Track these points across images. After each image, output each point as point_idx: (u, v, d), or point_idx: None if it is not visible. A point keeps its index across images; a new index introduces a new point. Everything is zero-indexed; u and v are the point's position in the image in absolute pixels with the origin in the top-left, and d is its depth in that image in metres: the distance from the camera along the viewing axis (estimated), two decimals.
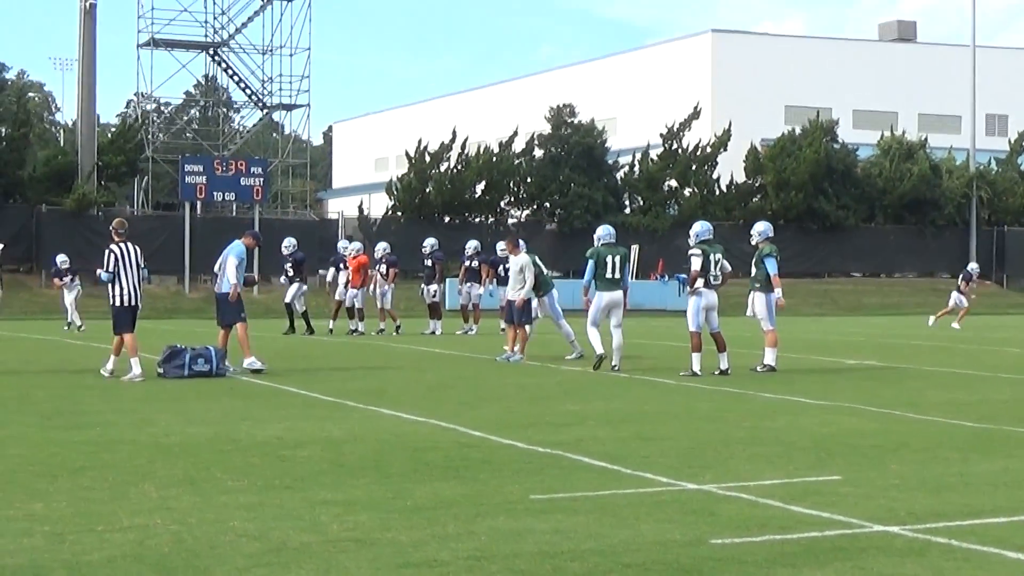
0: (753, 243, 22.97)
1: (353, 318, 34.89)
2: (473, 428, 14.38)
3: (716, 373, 21.58)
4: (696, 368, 21.60)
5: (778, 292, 22.53)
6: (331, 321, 35.52)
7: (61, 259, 38.98)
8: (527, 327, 25.72)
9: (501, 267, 34.55)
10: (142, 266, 21.19)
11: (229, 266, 22.15)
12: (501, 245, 34.21)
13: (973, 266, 45.26)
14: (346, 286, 35.19)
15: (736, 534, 9.03)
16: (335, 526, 9.17)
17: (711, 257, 22.06)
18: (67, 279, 38.29)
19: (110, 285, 20.78)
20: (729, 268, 22.71)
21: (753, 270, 22.85)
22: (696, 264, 21.91)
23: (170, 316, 48.36)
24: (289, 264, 34.42)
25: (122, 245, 20.90)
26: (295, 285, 34.32)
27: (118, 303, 20.84)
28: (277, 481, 10.96)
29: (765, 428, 14.75)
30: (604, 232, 23.27)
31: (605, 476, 11.37)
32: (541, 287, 26.14)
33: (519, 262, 25.79)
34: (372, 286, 35.08)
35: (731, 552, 8.57)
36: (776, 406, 17.24)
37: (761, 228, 23.19)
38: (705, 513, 9.73)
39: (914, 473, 11.64)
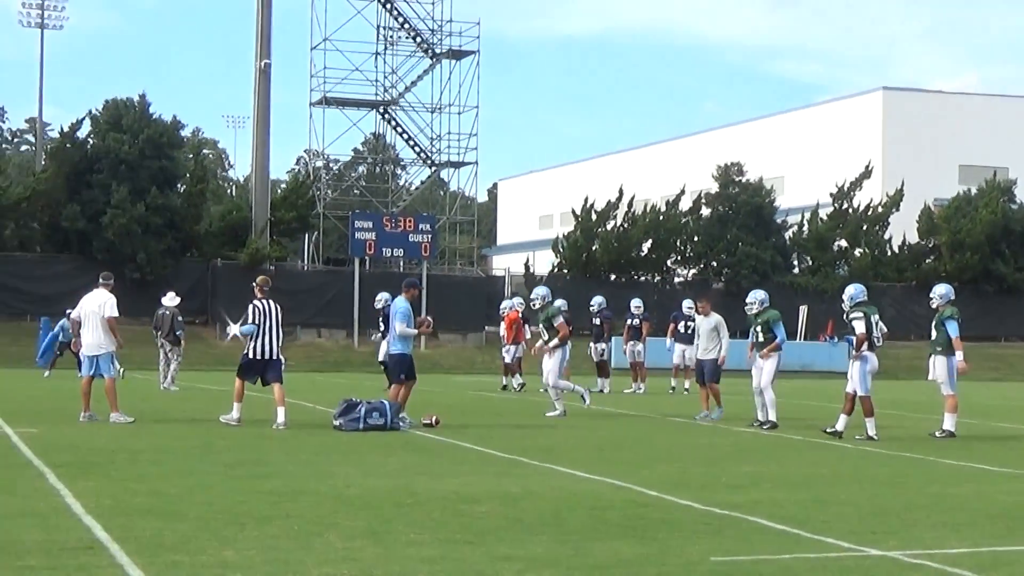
0: (934, 305, 22.53)
1: (507, 374, 35.23)
2: (648, 487, 14.32)
3: (858, 438, 21.28)
4: (872, 432, 21.32)
5: (959, 356, 22.09)
6: (503, 378, 35.77)
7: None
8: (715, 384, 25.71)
9: (682, 324, 34.36)
10: (281, 324, 22.35)
11: (398, 329, 22.48)
12: (688, 303, 34.03)
13: None
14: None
15: None
16: None
17: (872, 319, 21.79)
18: None
19: (249, 337, 21.91)
20: (885, 330, 22.54)
21: (934, 333, 22.38)
22: (861, 327, 21.60)
23: (339, 369, 49.03)
24: (381, 318, 34.01)
25: (265, 302, 22.12)
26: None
27: (251, 355, 22.01)
28: (458, 535, 11.02)
29: (949, 495, 14.49)
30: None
31: (786, 539, 11.25)
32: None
33: (711, 322, 25.74)
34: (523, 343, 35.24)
35: None
36: (958, 472, 16.97)
37: (942, 291, 22.77)
38: None
39: None
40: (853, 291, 22.24)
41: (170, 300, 34.24)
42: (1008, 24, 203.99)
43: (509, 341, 35.19)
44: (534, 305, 25.56)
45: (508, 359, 35.28)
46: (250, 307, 22.07)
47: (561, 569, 9.66)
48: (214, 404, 24.05)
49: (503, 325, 36.01)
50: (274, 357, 22.09)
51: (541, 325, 26.22)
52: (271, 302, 22.19)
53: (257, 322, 21.85)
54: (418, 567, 9.64)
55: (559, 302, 36.26)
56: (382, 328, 33.25)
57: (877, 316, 22.12)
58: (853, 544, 10.99)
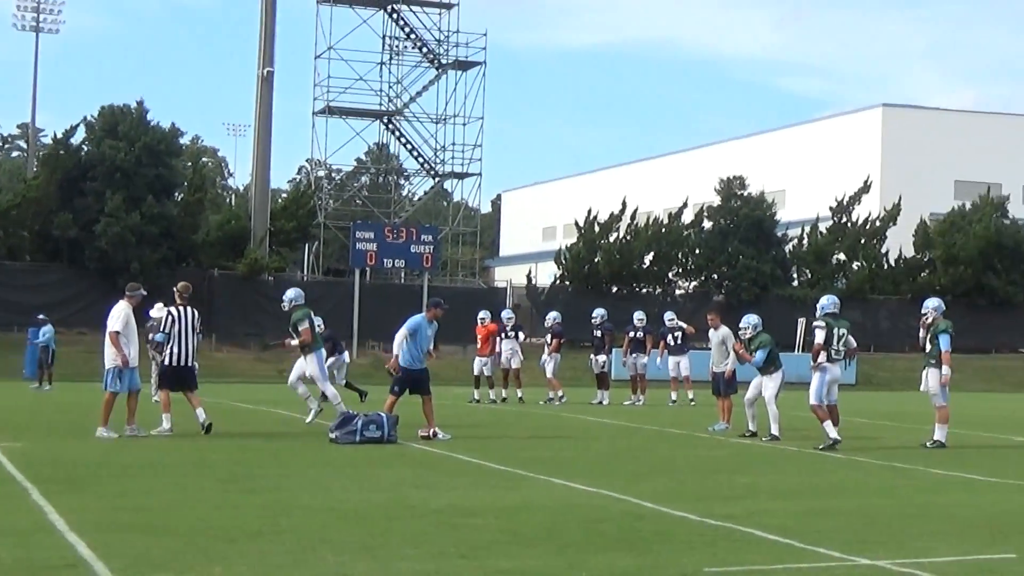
0: (929, 320, 22.65)
1: (479, 386, 35.31)
2: (645, 499, 14.39)
3: (820, 448, 21.39)
4: (833, 434, 21.44)
5: (946, 370, 22.25)
6: (502, 391, 35.80)
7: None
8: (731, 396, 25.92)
9: (669, 336, 34.91)
10: (198, 330, 22.50)
11: (397, 337, 22.69)
12: (669, 315, 34.71)
13: None
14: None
15: None
16: None
17: (835, 331, 21.94)
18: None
19: (166, 345, 22.25)
20: (854, 344, 22.64)
21: (928, 346, 22.54)
22: (820, 337, 21.87)
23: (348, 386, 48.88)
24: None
25: (182, 309, 22.28)
26: (332, 359, 34.31)
27: (168, 363, 22.31)
28: (452, 549, 11.06)
29: (938, 504, 14.62)
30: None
31: (779, 550, 11.33)
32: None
33: (720, 335, 25.97)
34: (501, 354, 35.52)
35: None
36: (948, 482, 17.07)
37: (934, 304, 22.95)
38: None
39: None
40: (825, 301, 22.50)
41: (158, 311, 34.35)
42: (1004, 44, 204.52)
43: (483, 353, 35.18)
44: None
45: (487, 371, 35.25)
46: (164, 313, 22.38)
47: None
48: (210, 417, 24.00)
49: (506, 338, 35.92)
50: (189, 364, 22.27)
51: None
52: (189, 309, 22.33)
53: (169, 330, 21.99)
54: None
55: (553, 314, 36.63)
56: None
57: (845, 330, 22.22)
58: (844, 554, 11.07)
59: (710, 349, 27.48)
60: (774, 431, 23.48)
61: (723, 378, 25.97)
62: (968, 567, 10.63)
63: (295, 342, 24.31)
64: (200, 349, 23.92)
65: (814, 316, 22.72)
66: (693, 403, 34.47)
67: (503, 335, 35.77)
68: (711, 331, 26.83)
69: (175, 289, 22.81)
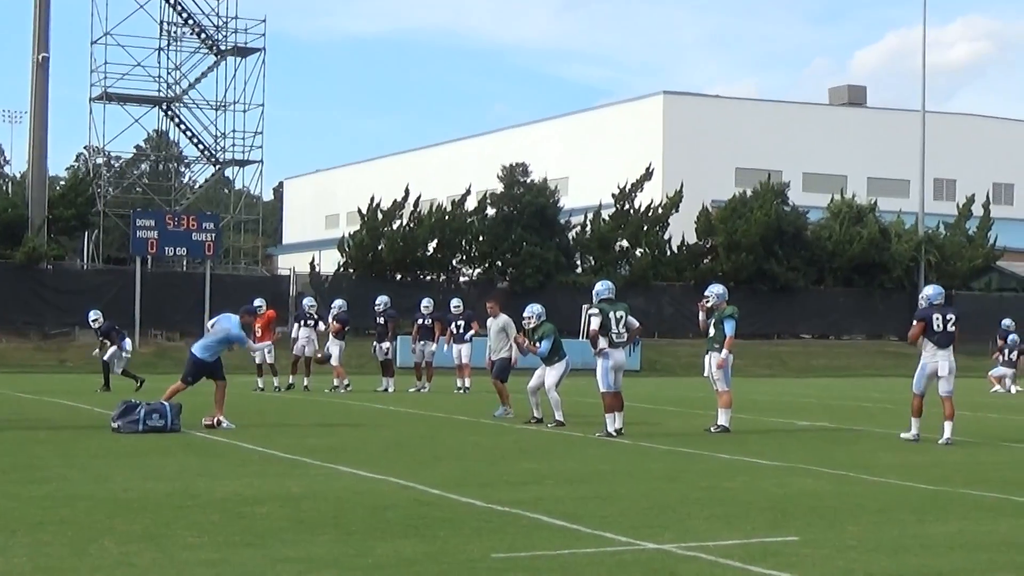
0: (708, 305, 22.94)
1: (263, 375, 35.12)
2: (431, 486, 14.38)
3: (598, 435, 21.52)
4: (616, 426, 21.52)
5: (725, 353, 22.54)
6: (290, 376, 35.58)
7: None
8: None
9: (453, 324, 35.09)
10: None
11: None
12: (455, 302, 34.85)
13: (1007, 322, 44.57)
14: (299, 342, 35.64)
15: None
16: None
17: (611, 315, 21.78)
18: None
19: None
20: (636, 324, 22.46)
21: (712, 331, 22.81)
22: (595, 323, 21.81)
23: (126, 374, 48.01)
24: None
25: None
26: (111, 349, 34.40)
27: None
28: (237, 538, 10.94)
29: (722, 488, 14.81)
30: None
31: (565, 535, 11.40)
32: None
33: (500, 322, 25.97)
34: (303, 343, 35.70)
35: None
36: (732, 467, 17.31)
37: (718, 290, 23.21)
38: (666, 573, 9.77)
39: (871, 535, 11.70)
40: (599, 287, 22.36)
41: None
42: (782, 34, 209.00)
43: (267, 340, 34.91)
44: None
45: (270, 359, 35.02)
46: None
47: (342, 569, 9.66)
48: None
49: (307, 326, 35.84)
50: None
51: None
52: None
53: None
54: (197, 571, 9.55)
55: (339, 301, 36.51)
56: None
57: (623, 312, 22.00)
58: (631, 538, 11.17)
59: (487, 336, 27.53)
60: (558, 417, 23.63)
61: (498, 364, 26.07)
62: (752, 549, 10.79)
63: None
64: None
65: (591, 304, 22.70)
66: (467, 391, 34.66)
67: (303, 322, 35.72)
68: (490, 319, 26.90)
69: None
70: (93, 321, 35.06)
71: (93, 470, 15.68)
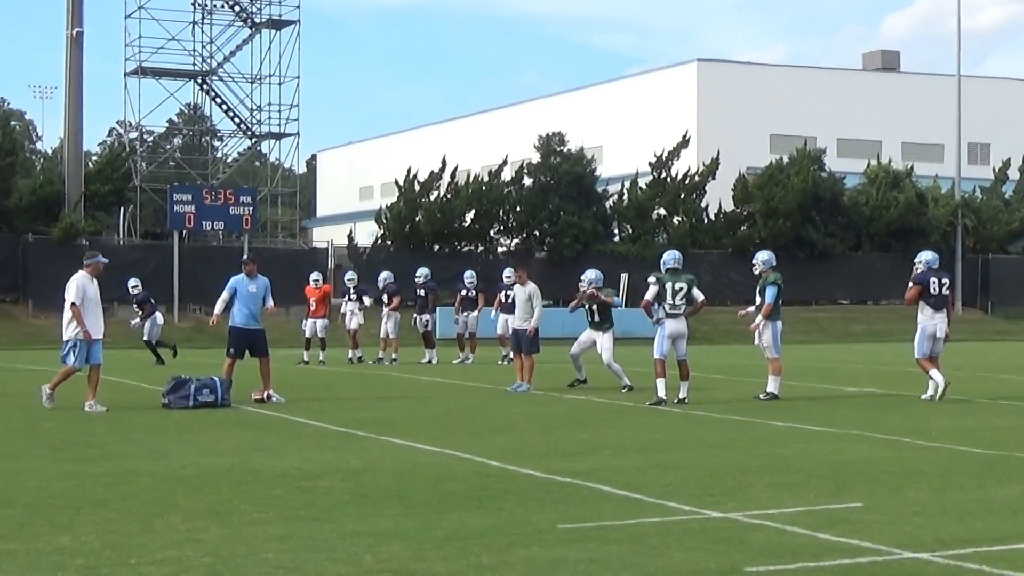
0: (756, 272, 23.00)
1: (310, 348, 35.21)
2: (489, 458, 14.37)
3: (675, 401, 21.63)
4: (661, 394, 21.64)
5: (759, 319, 22.57)
6: (354, 351, 35.65)
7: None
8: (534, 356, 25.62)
9: (503, 293, 34.47)
10: None
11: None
12: (507, 272, 34.10)
13: None
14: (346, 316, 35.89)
15: (769, 562, 9.04)
16: (369, 557, 9.16)
17: (668, 286, 21.90)
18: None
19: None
20: (700, 297, 22.51)
21: (758, 299, 22.83)
22: (649, 293, 21.96)
23: (160, 345, 48.13)
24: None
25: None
26: (147, 321, 35.14)
27: None
28: (303, 512, 10.94)
29: (779, 456, 14.77)
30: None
31: (629, 505, 11.39)
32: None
33: (527, 291, 25.80)
34: (347, 315, 36.02)
35: None
36: (786, 434, 17.28)
37: (764, 257, 23.26)
38: (735, 541, 9.74)
39: (933, 500, 11.67)
40: (666, 256, 22.58)
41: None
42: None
43: (320, 315, 34.99)
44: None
45: (321, 333, 35.08)
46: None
47: (412, 542, 9.65)
48: (32, 385, 23.47)
49: (351, 301, 36.08)
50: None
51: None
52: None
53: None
54: (265, 546, 9.55)
55: (386, 273, 36.51)
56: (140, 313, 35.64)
57: (684, 284, 22.06)
58: (695, 507, 11.17)
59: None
60: (626, 381, 24.13)
61: (526, 336, 25.45)
62: (817, 516, 10.76)
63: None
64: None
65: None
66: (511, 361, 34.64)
67: (348, 298, 35.84)
68: (517, 287, 26.47)
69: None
70: (133, 288, 35.57)
71: (149, 446, 15.69)
